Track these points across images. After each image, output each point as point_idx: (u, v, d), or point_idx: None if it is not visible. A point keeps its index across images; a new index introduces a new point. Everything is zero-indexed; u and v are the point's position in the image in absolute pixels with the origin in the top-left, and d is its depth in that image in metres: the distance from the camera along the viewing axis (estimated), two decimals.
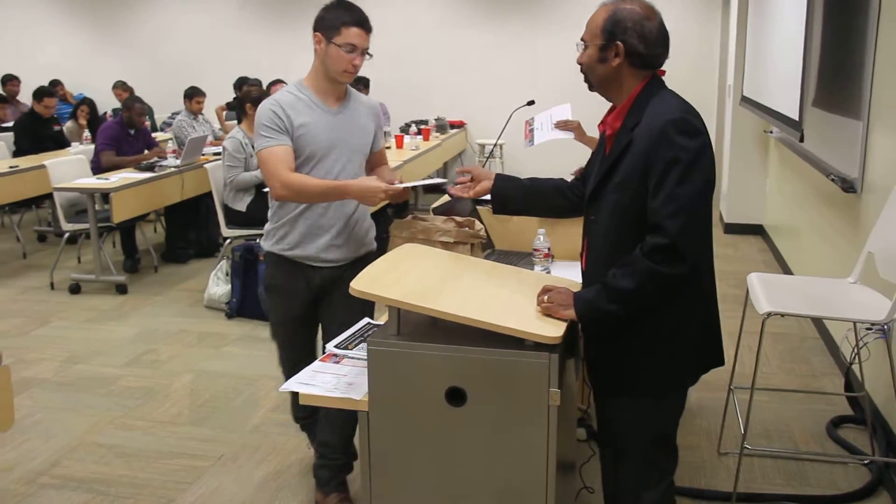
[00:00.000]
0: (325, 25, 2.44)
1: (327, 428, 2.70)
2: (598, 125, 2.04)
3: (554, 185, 2.25)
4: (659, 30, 1.90)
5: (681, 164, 1.77)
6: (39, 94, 7.01)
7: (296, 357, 2.62)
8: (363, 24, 2.45)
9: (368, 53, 2.50)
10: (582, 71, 1.98)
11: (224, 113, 8.19)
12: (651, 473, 2.03)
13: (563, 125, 3.23)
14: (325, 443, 2.72)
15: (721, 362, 2.04)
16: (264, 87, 6.57)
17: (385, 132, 3.38)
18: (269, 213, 2.66)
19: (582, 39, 1.95)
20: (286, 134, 2.47)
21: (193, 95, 6.90)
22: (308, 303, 2.65)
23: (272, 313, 2.74)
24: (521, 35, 9.01)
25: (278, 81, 6.60)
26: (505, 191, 2.24)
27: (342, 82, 2.53)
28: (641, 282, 1.80)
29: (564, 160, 3.75)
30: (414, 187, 2.68)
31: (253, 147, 2.92)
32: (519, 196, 2.25)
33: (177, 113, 8.15)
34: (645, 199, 1.81)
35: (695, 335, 1.95)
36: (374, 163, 2.81)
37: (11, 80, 8.90)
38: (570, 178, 2.30)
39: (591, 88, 2.00)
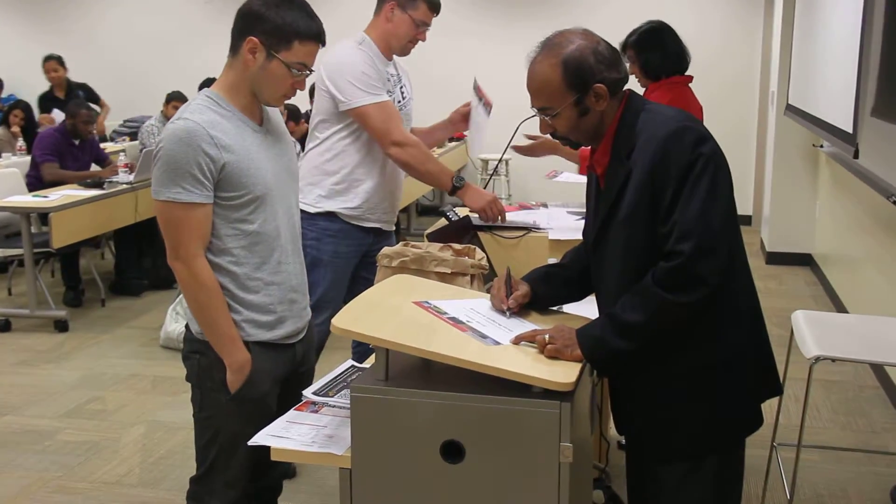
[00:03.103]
0: (270, 31, 2.10)
1: None
2: (584, 168, 2.09)
3: (578, 269, 2.22)
4: (608, 45, 1.96)
5: (690, 178, 1.82)
6: None
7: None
8: (321, 37, 2.17)
9: (310, 70, 2.20)
10: (558, 137, 2.01)
11: None
12: None
13: (524, 148, 3.59)
14: None
15: (779, 391, 2.07)
16: None
17: None
18: None
19: (539, 109, 1.97)
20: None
21: (171, 100, 6.85)
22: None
23: None
24: (525, 41, 9.03)
25: None
26: (542, 291, 2.21)
27: (272, 106, 2.29)
28: (652, 313, 1.84)
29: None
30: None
31: None
32: (555, 292, 2.24)
33: (132, 121, 8.19)
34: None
35: (743, 370, 1.97)
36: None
37: None
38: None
39: (575, 147, 2.05)
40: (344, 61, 3.12)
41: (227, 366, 2.18)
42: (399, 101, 3.32)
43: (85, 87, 8.11)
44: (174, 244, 2.13)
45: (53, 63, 7.78)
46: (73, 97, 7.01)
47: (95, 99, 7.79)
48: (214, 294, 2.15)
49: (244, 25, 2.13)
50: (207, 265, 2.15)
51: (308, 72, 2.18)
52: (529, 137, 3.44)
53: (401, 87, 3.39)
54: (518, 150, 3.49)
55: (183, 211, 2.09)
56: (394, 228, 3.48)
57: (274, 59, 2.11)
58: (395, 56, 3.33)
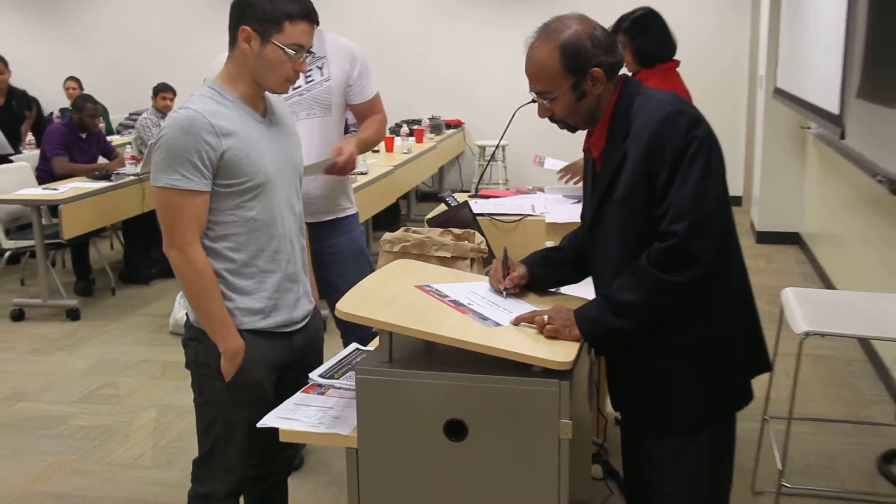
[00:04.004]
0: (260, 17, 2.09)
1: None
2: (583, 149, 2.09)
3: (575, 251, 2.23)
4: (603, 30, 1.96)
5: (685, 160, 1.82)
6: None
7: None
8: (311, 15, 2.15)
9: (311, 52, 2.20)
10: (556, 121, 2.00)
11: None
12: None
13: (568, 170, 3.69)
14: None
15: (769, 367, 2.09)
16: None
17: None
18: None
19: (537, 93, 1.96)
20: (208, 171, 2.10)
21: (160, 91, 6.89)
22: None
23: None
24: (523, 26, 9.04)
25: None
26: (541, 275, 2.22)
27: (278, 93, 2.26)
28: (649, 294, 1.85)
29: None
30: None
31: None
32: (554, 275, 2.24)
33: (136, 114, 8.19)
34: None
35: (738, 348, 1.98)
36: (364, 115, 3.02)
37: None
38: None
39: (573, 131, 2.05)
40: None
41: (220, 352, 2.17)
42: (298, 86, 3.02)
43: (25, 95, 7.30)
44: (170, 231, 2.11)
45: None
46: (8, 105, 6.52)
47: (28, 106, 7.13)
48: (209, 281, 2.14)
49: (236, 16, 2.13)
50: (203, 252, 2.13)
51: (306, 53, 2.16)
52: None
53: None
54: (563, 170, 3.71)
55: (181, 198, 2.07)
56: (338, 216, 3.22)
57: (268, 43, 2.10)
58: (330, 35, 3.05)
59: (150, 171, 2.12)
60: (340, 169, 2.88)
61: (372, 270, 3.16)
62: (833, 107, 4.60)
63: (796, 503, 3.13)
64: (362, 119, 3.21)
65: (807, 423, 3.67)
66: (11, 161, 6.18)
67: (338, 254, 3.17)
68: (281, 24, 2.09)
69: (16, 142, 6.19)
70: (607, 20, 2.16)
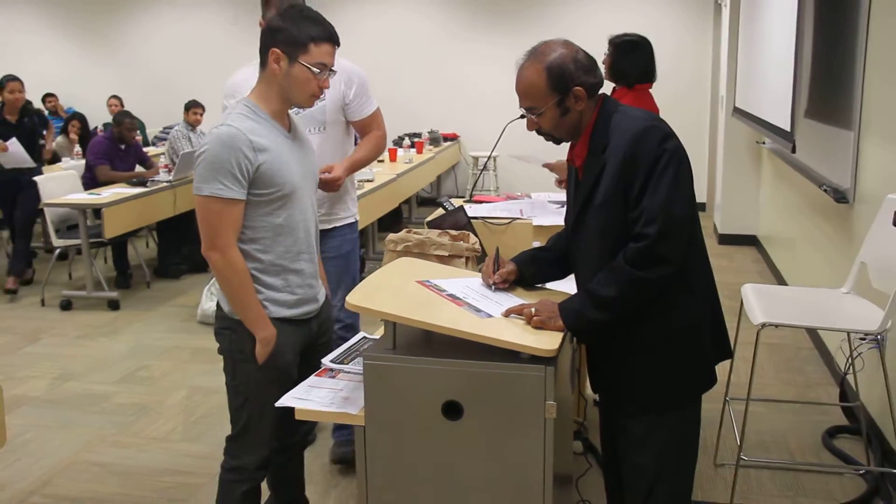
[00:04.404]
0: (288, 41, 2.09)
1: (278, 496, 2.59)
2: (567, 159, 2.07)
3: (559, 251, 2.20)
4: (586, 54, 1.95)
5: (656, 170, 1.81)
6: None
7: None
8: (333, 38, 2.15)
9: (332, 70, 2.19)
10: (542, 134, 1.99)
11: None
12: (668, 500, 2.01)
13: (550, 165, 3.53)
14: None
15: (730, 354, 2.07)
16: None
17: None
18: None
19: (526, 109, 1.95)
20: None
21: (191, 107, 6.88)
22: None
23: None
24: (513, 46, 9.00)
25: None
26: (529, 272, 2.20)
27: (305, 107, 2.26)
28: (624, 288, 1.84)
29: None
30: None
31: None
32: (540, 272, 2.22)
33: (169, 127, 8.17)
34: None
35: (703, 337, 1.97)
36: (364, 129, 2.94)
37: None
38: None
39: (557, 143, 2.03)
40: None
41: (257, 339, 2.16)
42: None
43: (40, 114, 6.67)
44: (211, 235, 2.09)
45: (18, 84, 6.08)
46: (21, 122, 6.00)
47: (45, 124, 6.61)
48: (246, 279, 2.13)
49: (267, 40, 2.12)
50: (240, 254, 2.12)
51: (329, 71, 2.16)
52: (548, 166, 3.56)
53: None
54: (547, 166, 3.55)
55: (222, 205, 2.06)
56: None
57: (296, 63, 2.09)
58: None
59: (194, 181, 2.11)
60: (323, 185, 2.75)
61: (352, 273, 3.14)
62: (785, 124, 4.59)
63: (752, 474, 3.12)
64: (363, 134, 3.08)
65: (762, 403, 3.66)
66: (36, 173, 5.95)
67: (321, 254, 3.07)
68: (307, 46, 2.09)
69: (33, 156, 6.01)
70: (590, 45, 2.13)
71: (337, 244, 3.08)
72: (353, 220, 3.17)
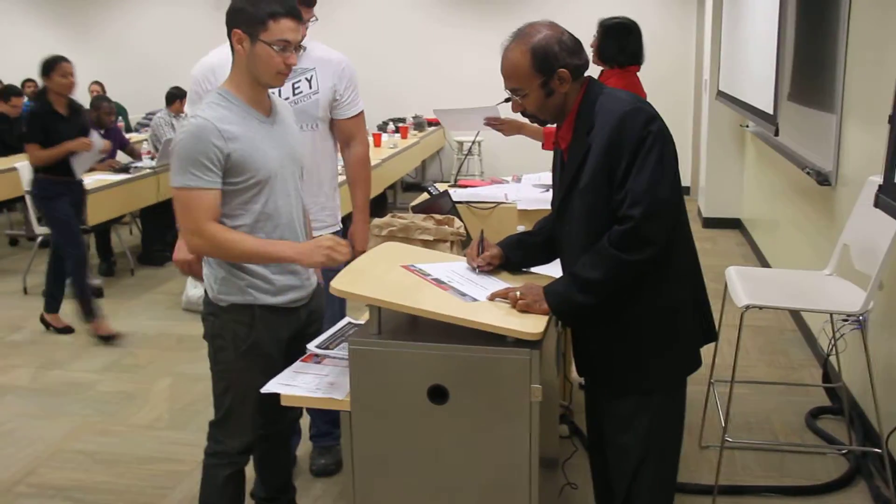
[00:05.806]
0: (247, 20, 2.04)
1: (265, 482, 2.57)
2: (549, 144, 2.06)
3: (545, 236, 2.20)
4: (571, 35, 1.93)
5: (641, 152, 1.81)
6: (6, 93, 6.88)
7: None
8: (293, 12, 2.07)
9: (301, 47, 2.13)
10: (527, 115, 1.97)
11: None
12: (654, 481, 2.01)
13: (494, 122, 3.24)
14: (265, 499, 2.59)
15: (715, 337, 2.08)
16: None
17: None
18: None
19: (511, 90, 1.93)
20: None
21: (173, 101, 6.77)
22: None
23: None
24: (498, 31, 8.96)
25: None
26: (515, 257, 2.20)
27: (275, 87, 2.18)
28: (609, 271, 1.83)
29: (542, 155, 3.77)
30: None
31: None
32: (526, 257, 2.21)
33: (152, 113, 8.09)
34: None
35: (688, 319, 1.97)
36: (347, 134, 2.81)
37: None
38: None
39: (542, 125, 2.02)
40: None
41: (296, 257, 2.09)
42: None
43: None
44: (187, 224, 2.06)
45: (70, 67, 4.86)
46: (79, 118, 5.30)
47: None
48: (236, 238, 2.07)
49: (229, 22, 2.10)
50: (217, 226, 2.06)
51: (297, 47, 2.09)
52: (491, 121, 3.26)
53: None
54: (488, 121, 3.25)
55: (195, 194, 2.03)
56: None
57: (257, 42, 2.05)
58: (319, 46, 2.77)
59: (170, 174, 2.08)
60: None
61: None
62: (768, 108, 4.60)
63: (737, 455, 3.14)
64: (346, 141, 2.87)
65: (746, 385, 3.68)
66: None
67: None
68: (266, 23, 2.04)
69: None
70: (576, 27, 2.11)
71: None
72: (338, 230, 3.01)
